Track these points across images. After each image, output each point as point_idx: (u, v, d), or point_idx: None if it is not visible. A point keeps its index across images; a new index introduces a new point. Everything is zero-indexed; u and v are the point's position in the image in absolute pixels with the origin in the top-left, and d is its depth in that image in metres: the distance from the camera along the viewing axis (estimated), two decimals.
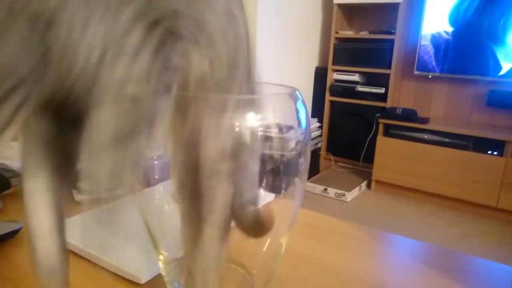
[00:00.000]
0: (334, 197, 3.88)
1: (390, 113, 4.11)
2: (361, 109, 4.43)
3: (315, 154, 4.54)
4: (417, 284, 0.61)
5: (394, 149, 4.00)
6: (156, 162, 0.60)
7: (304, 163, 0.56)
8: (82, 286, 0.58)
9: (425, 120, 4.06)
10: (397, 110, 4.06)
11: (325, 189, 3.94)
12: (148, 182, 0.57)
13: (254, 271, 0.59)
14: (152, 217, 0.54)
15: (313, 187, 3.99)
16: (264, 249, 0.58)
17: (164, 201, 0.57)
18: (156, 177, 0.58)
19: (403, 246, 0.76)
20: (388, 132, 4.11)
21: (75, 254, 0.66)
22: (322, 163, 4.72)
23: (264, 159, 0.59)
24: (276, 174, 0.56)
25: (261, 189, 0.57)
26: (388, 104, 4.26)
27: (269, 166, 0.56)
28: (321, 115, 4.66)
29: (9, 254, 0.67)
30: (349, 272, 0.63)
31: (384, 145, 4.06)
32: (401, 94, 4.59)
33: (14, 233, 0.71)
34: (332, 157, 4.71)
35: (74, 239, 0.68)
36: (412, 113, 4.06)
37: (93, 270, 0.62)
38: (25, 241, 0.71)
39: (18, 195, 0.92)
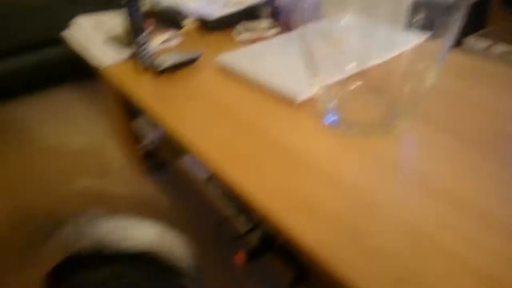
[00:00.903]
0: (501, 55, 3.41)
1: None
2: None
3: (482, 4, 3.88)
4: None
5: None
6: (307, 5, 0.63)
7: (458, 2, 0.53)
8: (243, 108, 0.70)
9: None
10: None
11: (491, 46, 3.46)
12: (302, 20, 0.61)
13: (399, 101, 0.62)
14: (308, 48, 0.59)
15: (475, 42, 3.54)
16: (411, 81, 0.60)
17: (318, 36, 0.62)
18: (308, 16, 0.62)
19: None
20: None
21: (239, 80, 0.78)
22: (493, 16, 4.05)
23: None
24: (425, 11, 0.55)
25: (413, 28, 0.56)
26: None
27: (418, 3, 0.55)
28: None
29: (190, 77, 0.82)
30: (502, 110, 0.62)
31: None
32: None
33: (193, 60, 0.85)
34: (506, 9, 3.98)
35: (238, 67, 0.79)
36: None
37: (253, 93, 0.73)
38: (202, 67, 0.85)
39: (190, 33, 1.07)
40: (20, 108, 1.77)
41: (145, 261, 0.61)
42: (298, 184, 0.50)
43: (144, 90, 0.77)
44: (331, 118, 0.62)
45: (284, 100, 0.69)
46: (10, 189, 1.29)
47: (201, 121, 0.66)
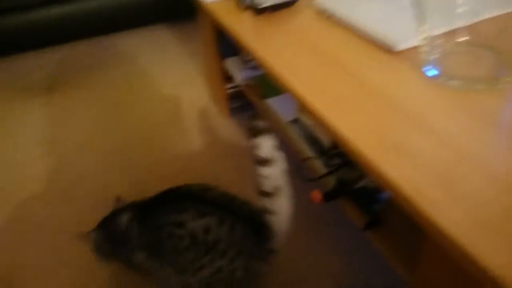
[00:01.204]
0: None
1: None
2: None
3: None
4: None
5: None
6: None
7: None
8: (341, 52, 0.71)
9: None
10: None
11: None
12: None
13: (507, 59, 0.59)
14: None
15: None
16: None
17: None
18: None
19: None
20: None
21: (338, 25, 0.77)
22: None
23: None
24: None
25: None
26: None
27: None
28: None
29: (288, 18, 0.83)
30: None
31: None
32: None
33: (292, 2, 0.86)
34: None
35: (337, 12, 0.79)
36: None
37: (352, 38, 0.73)
38: (300, 10, 0.86)
39: None
40: (126, 42, 1.91)
41: (236, 217, 0.65)
42: (390, 127, 0.51)
43: (243, 28, 0.81)
44: (432, 69, 0.61)
45: (383, 48, 0.68)
46: (124, 112, 1.43)
47: (298, 61, 0.68)
